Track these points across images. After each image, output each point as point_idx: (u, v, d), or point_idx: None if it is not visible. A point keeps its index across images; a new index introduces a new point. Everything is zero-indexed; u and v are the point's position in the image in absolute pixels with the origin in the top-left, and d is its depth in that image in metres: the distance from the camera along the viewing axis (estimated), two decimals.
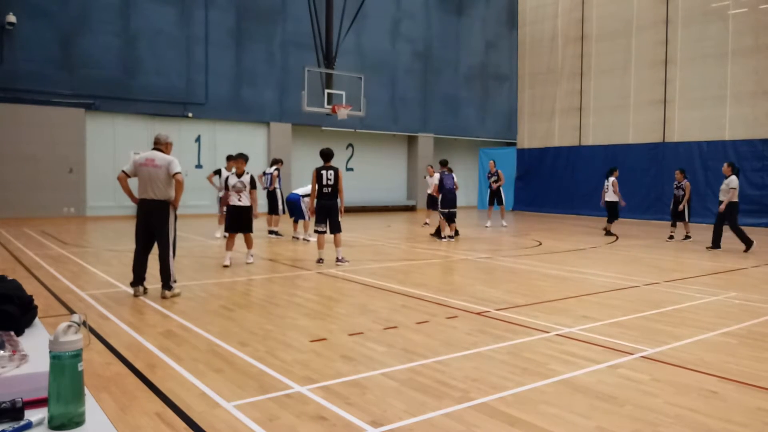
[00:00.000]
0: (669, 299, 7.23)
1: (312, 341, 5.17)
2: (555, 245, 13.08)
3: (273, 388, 3.99)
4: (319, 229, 9.86)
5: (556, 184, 23.92)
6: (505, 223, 17.67)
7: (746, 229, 12.37)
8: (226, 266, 9.22)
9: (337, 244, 9.88)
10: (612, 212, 15.21)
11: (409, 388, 4.00)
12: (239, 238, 10.08)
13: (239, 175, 9.54)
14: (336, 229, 9.82)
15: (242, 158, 9.76)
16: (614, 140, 21.92)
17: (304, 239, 13.06)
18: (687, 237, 14.22)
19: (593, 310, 6.56)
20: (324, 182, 9.71)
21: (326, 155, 9.87)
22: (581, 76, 22.99)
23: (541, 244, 13.33)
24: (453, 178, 13.68)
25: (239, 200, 9.45)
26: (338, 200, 9.83)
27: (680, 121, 19.91)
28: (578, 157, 23.14)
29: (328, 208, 9.78)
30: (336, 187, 9.75)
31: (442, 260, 10.70)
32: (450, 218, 13.44)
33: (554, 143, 24.16)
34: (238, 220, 9.50)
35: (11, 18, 17.68)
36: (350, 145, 25.67)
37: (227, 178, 9.67)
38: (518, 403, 3.75)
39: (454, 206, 13.51)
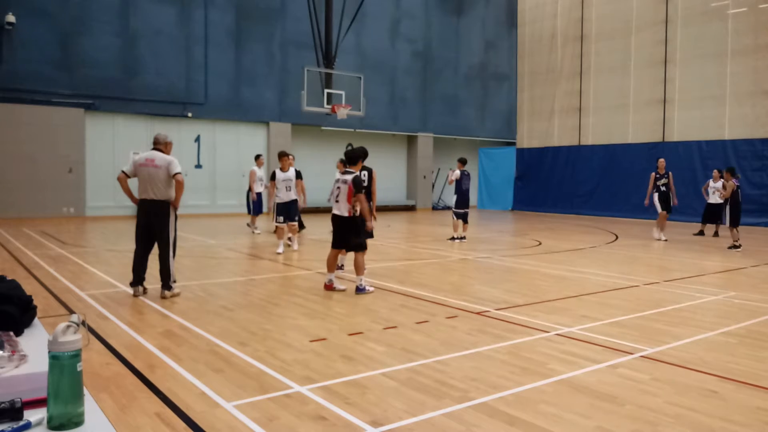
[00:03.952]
0: (669, 299, 7.23)
1: (312, 341, 5.17)
2: (555, 245, 13.08)
3: (273, 388, 3.99)
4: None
5: (556, 184, 23.93)
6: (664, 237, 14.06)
7: (746, 229, 12.36)
8: (342, 290, 7.46)
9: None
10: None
11: (409, 388, 4.00)
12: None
13: (355, 173, 7.45)
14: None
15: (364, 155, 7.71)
16: (614, 140, 21.93)
17: (256, 231, 14.75)
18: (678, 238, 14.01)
19: (593, 309, 6.56)
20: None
21: (363, 154, 8.05)
22: (581, 75, 22.99)
23: (540, 243, 13.33)
24: (470, 179, 13.67)
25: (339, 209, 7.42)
26: (370, 203, 8.76)
27: (680, 121, 19.91)
28: (578, 157, 23.15)
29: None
30: (370, 189, 8.78)
31: (441, 260, 10.70)
32: (464, 218, 13.47)
33: (554, 143, 24.16)
34: (342, 233, 7.46)
35: (11, 18, 17.67)
36: (350, 144, 25.62)
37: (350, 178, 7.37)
38: (518, 403, 3.75)
39: (468, 206, 13.54)
